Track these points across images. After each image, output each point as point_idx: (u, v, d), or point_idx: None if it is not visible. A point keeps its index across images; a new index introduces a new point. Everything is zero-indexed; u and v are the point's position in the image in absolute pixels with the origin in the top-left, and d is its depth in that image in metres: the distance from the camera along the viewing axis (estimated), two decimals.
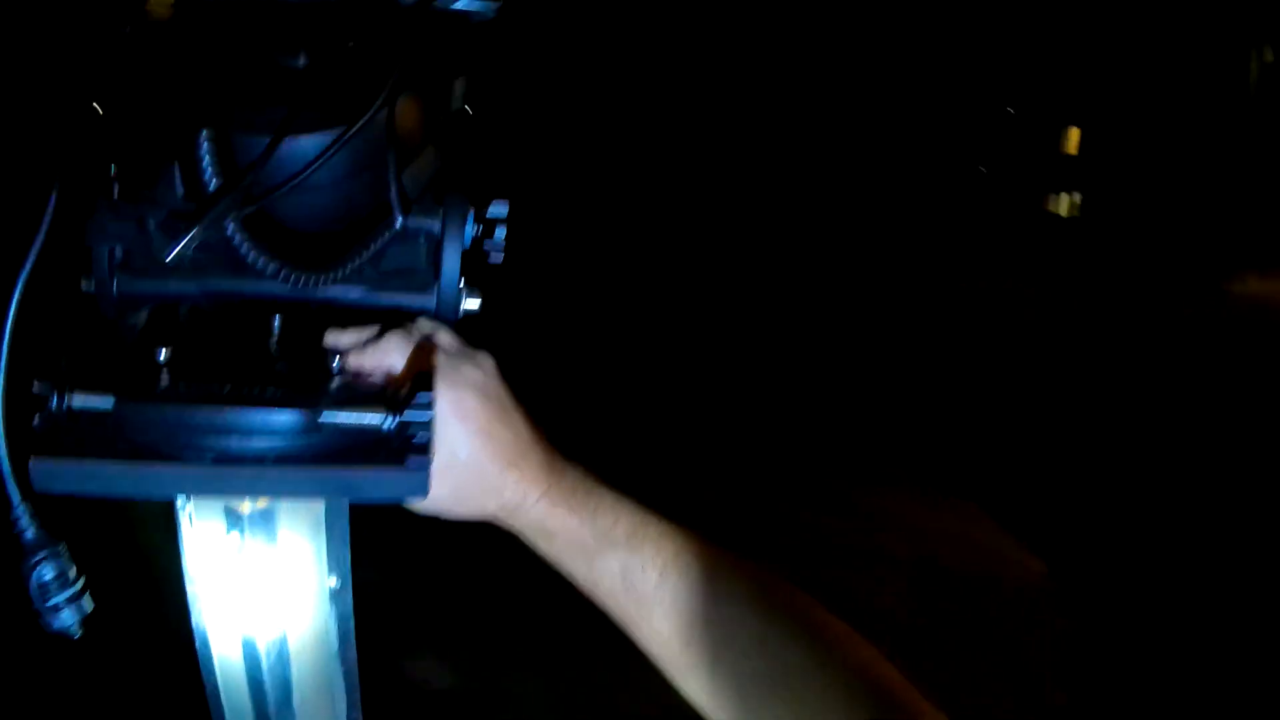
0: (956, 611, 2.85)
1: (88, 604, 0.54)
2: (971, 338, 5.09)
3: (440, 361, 0.60)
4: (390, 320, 0.64)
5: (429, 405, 0.54)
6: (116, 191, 0.60)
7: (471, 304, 0.64)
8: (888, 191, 6.09)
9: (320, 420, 0.52)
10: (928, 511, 3.41)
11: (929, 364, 4.80)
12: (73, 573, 0.53)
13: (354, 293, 0.62)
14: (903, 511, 3.42)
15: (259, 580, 0.62)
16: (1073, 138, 6.69)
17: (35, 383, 0.52)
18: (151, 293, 0.62)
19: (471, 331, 0.72)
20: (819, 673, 0.57)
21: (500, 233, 0.66)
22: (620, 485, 0.63)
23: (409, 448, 0.53)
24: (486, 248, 0.66)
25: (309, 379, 0.56)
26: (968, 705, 2.48)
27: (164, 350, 0.57)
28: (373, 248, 0.60)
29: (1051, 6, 5.56)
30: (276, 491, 0.55)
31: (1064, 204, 6.57)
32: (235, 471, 0.52)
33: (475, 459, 0.60)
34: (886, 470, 3.66)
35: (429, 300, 0.63)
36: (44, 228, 0.52)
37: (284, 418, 0.52)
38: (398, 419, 0.52)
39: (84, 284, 0.61)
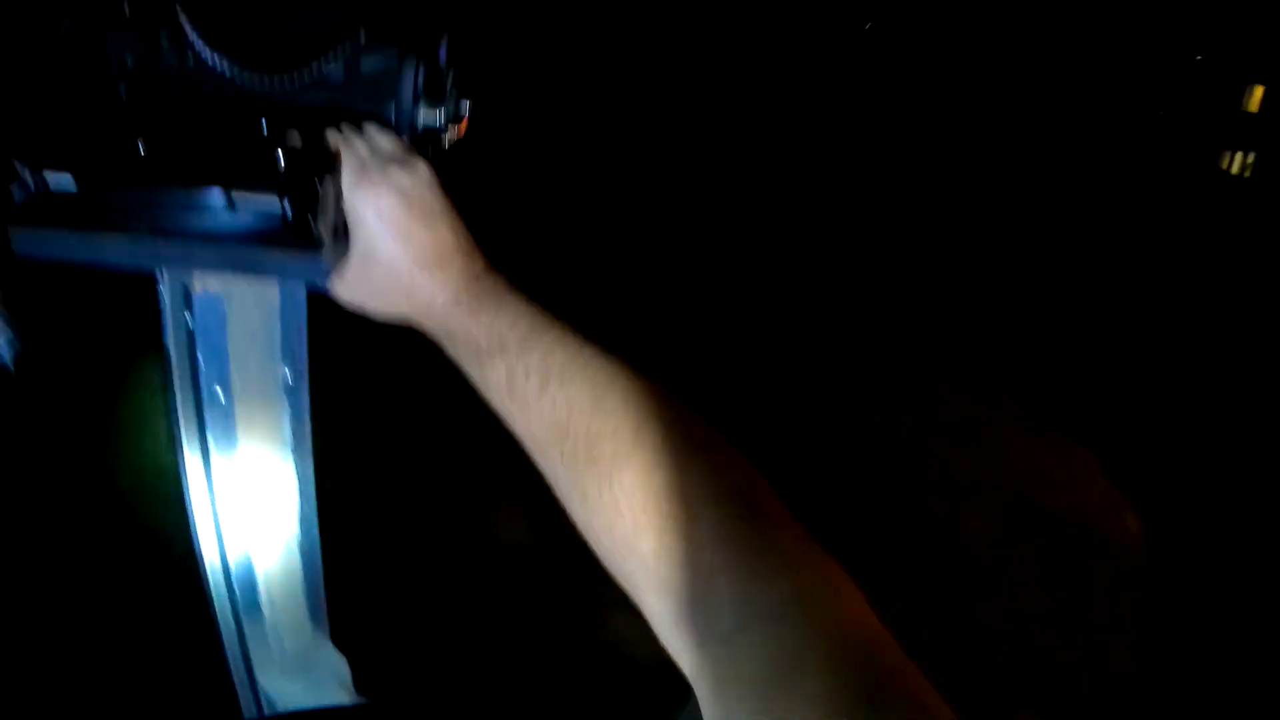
0: (1043, 552, 2.81)
1: (17, 345, 0.60)
2: (1125, 290, 4.86)
3: (368, 164, 0.62)
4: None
5: (315, 194, 0.57)
6: (129, 9, 0.66)
7: (428, 117, 0.68)
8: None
9: (232, 199, 0.56)
10: (1040, 449, 3.35)
11: (1076, 309, 4.63)
12: (7, 324, 0.60)
13: (324, 98, 0.67)
14: (1014, 445, 3.37)
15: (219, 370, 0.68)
16: (1256, 95, 6.24)
17: (14, 161, 0.59)
18: (157, 96, 0.68)
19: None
20: (685, 470, 0.54)
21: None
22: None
23: (305, 234, 0.57)
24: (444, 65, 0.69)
25: (255, 169, 0.60)
26: (1033, 645, 2.48)
27: (142, 142, 0.63)
28: (333, 56, 0.64)
29: None
30: (198, 263, 0.60)
31: (1237, 162, 6.14)
32: (167, 244, 0.57)
33: (389, 257, 0.61)
34: (1007, 403, 3.61)
35: (391, 110, 0.67)
36: None
37: (202, 196, 0.57)
38: (286, 202, 0.56)
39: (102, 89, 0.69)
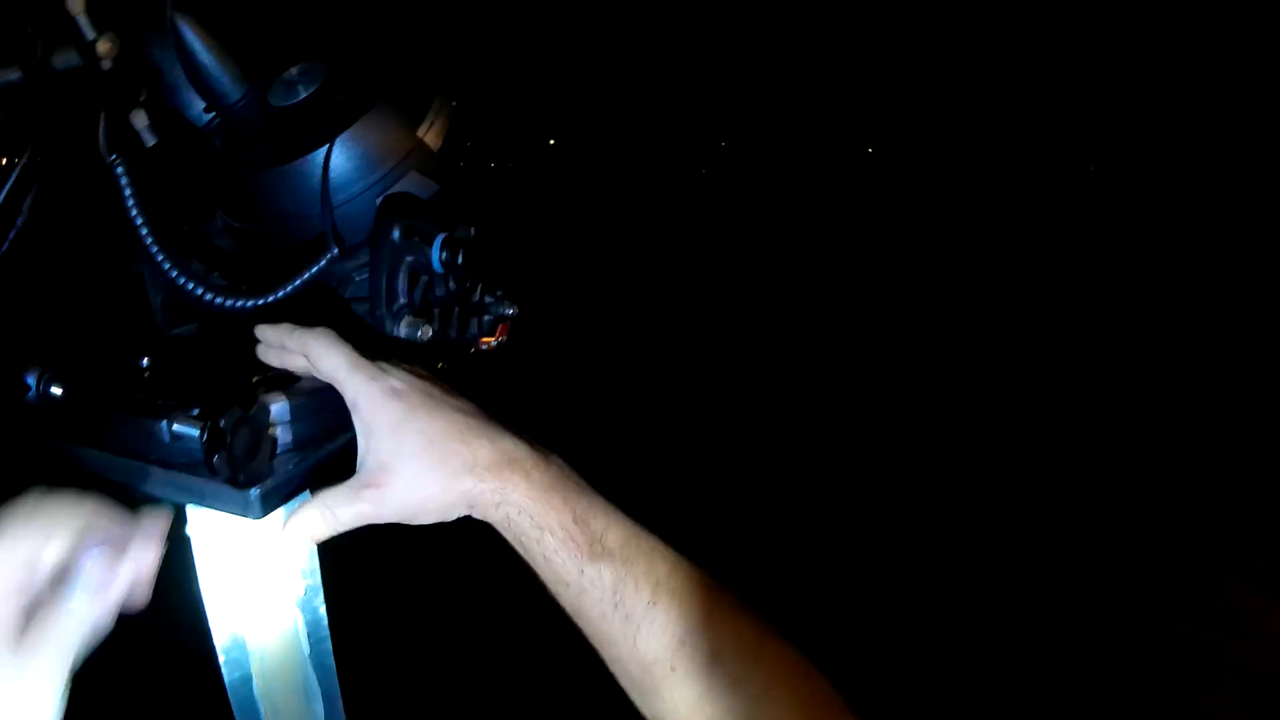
0: None
1: None
2: None
3: (341, 378, 0.56)
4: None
5: (230, 421, 0.53)
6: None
7: (409, 329, 0.62)
8: None
9: (174, 429, 0.54)
10: None
11: None
12: None
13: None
14: (1270, 618, 2.94)
15: (222, 581, 0.67)
16: None
17: (26, 375, 0.61)
18: (182, 309, 0.69)
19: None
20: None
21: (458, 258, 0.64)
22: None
23: (231, 465, 0.53)
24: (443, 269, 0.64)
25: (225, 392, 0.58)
26: None
27: (146, 359, 0.63)
28: (308, 274, 0.61)
29: None
30: (148, 489, 0.57)
31: None
32: (128, 464, 0.56)
33: (402, 456, 0.55)
34: (1259, 570, 3.16)
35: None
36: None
37: (149, 425, 0.55)
38: (204, 430, 0.52)
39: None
